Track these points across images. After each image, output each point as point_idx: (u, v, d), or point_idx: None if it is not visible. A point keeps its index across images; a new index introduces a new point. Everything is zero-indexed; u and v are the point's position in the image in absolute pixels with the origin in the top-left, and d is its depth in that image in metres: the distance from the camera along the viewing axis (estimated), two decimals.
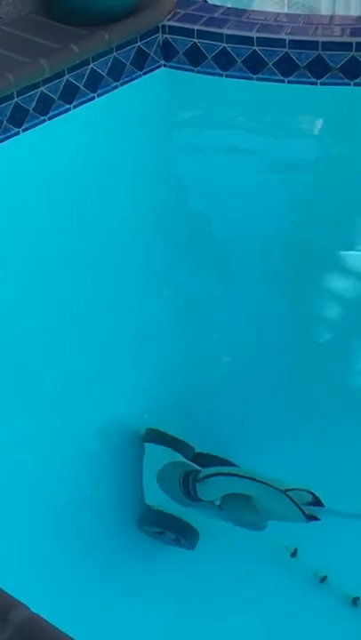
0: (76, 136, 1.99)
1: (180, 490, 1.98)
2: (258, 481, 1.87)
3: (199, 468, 1.99)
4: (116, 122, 2.07)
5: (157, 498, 2.03)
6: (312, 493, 1.84)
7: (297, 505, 1.83)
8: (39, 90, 1.88)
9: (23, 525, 1.85)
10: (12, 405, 1.87)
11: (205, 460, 2.03)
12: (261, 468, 1.93)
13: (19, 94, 1.84)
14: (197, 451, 2.05)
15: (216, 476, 1.94)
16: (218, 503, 1.95)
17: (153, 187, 2.21)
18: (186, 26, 2.07)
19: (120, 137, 2.09)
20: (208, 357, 2.31)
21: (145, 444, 2.05)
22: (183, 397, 2.23)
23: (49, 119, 1.92)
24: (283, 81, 2.05)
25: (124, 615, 1.89)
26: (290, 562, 2.01)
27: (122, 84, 2.05)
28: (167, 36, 2.09)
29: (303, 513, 1.83)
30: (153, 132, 2.16)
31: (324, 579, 1.98)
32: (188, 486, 1.97)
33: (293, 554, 2.02)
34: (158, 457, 2.03)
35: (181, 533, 2.01)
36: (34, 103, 1.88)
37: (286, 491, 1.83)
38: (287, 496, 1.83)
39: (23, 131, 1.87)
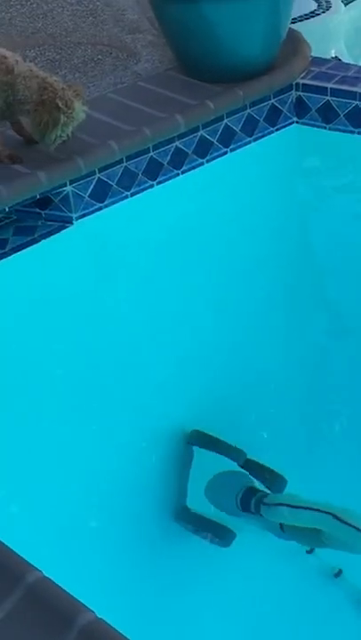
0: (208, 189, 2.04)
1: (234, 501, 1.99)
2: (345, 523, 1.82)
3: (268, 491, 1.99)
4: (247, 176, 2.11)
5: (199, 500, 2.05)
6: None
7: None
8: (174, 144, 1.93)
9: (68, 513, 1.87)
10: (91, 406, 1.92)
11: (256, 468, 2.03)
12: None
13: (154, 148, 1.89)
14: (248, 457, 2.05)
15: (290, 507, 1.93)
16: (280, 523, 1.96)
17: (279, 238, 2.24)
18: (319, 84, 2.10)
19: (251, 191, 2.13)
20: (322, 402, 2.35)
21: (194, 448, 2.07)
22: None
23: (182, 173, 1.97)
24: None
25: (156, 604, 1.94)
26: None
27: (254, 140, 2.09)
28: (300, 93, 2.12)
29: None
30: (283, 186, 2.19)
31: (339, 573, 2.00)
32: (248, 502, 1.97)
33: (310, 551, 2.04)
34: (209, 462, 2.04)
35: (217, 534, 2.02)
36: (168, 157, 1.93)
37: None
38: None
39: (157, 184, 1.92)
